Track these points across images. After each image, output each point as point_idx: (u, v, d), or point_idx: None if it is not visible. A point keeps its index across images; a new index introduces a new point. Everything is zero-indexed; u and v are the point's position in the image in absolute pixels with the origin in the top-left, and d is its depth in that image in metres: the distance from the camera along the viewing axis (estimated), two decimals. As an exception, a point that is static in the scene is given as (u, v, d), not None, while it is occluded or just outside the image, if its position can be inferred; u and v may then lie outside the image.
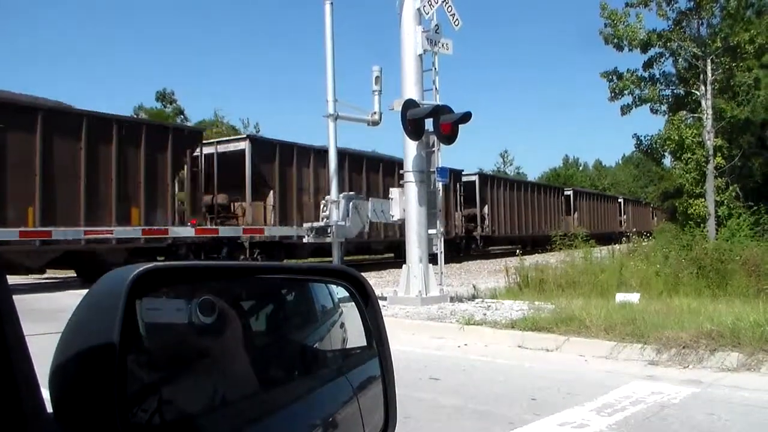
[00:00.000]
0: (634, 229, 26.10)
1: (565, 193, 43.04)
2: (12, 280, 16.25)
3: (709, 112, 19.27)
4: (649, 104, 20.66)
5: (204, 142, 21.14)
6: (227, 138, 23.06)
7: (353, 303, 1.34)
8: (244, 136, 22.73)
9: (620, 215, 50.64)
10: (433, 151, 11.69)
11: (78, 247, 16.27)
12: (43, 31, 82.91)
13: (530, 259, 15.61)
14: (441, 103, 11.54)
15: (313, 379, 1.28)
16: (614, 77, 20.42)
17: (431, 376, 6.44)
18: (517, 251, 16.92)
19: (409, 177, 11.49)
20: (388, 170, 25.19)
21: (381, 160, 26.31)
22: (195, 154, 19.59)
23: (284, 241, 21.53)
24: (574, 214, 42.12)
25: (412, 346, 7.94)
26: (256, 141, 22.15)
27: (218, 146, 21.84)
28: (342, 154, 24.85)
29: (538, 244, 33.29)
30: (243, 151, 21.08)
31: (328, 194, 21.55)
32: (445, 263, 12.60)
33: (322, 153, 23.08)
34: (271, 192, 21.56)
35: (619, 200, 52.50)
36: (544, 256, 16.81)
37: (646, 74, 20.67)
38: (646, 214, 55.96)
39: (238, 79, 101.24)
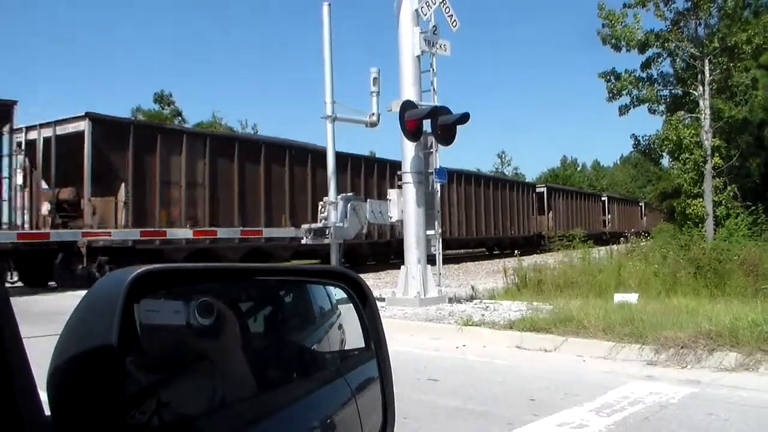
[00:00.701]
0: (631, 230, 25.95)
1: (538, 190, 39.61)
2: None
3: (707, 112, 19.31)
4: (647, 104, 20.73)
5: (42, 123, 17.76)
6: (65, 117, 17.97)
7: (351, 304, 1.35)
8: (83, 114, 17.49)
9: (604, 214, 47.65)
10: (431, 152, 11.69)
11: None
12: (42, 31, 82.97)
13: (528, 260, 15.62)
14: (439, 104, 11.54)
15: (311, 380, 1.28)
16: (612, 78, 20.46)
17: (430, 377, 6.44)
18: (517, 254, 16.90)
19: (407, 178, 11.48)
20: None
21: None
22: (3, 134, 15.89)
23: (139, 247, 17.39)
24: (549, 214, 38.63)
25: (411, 347, 7.94)
26: (98, 121, 17.52)
27: (57, 127, 17.66)
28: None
29: (504, 247, 30.84)
30: (82, 134, 16.95)
31: (206, 189, 18.35)
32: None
33: (193, 136, 19.75)
34: (123, 185, 17.56)
35: (603, 198, 49.31)
36: (542, 257, 16.79)
37: (644, 74, 20.76)
38: (634, 214, 53.86)
39: (237, 80, 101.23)
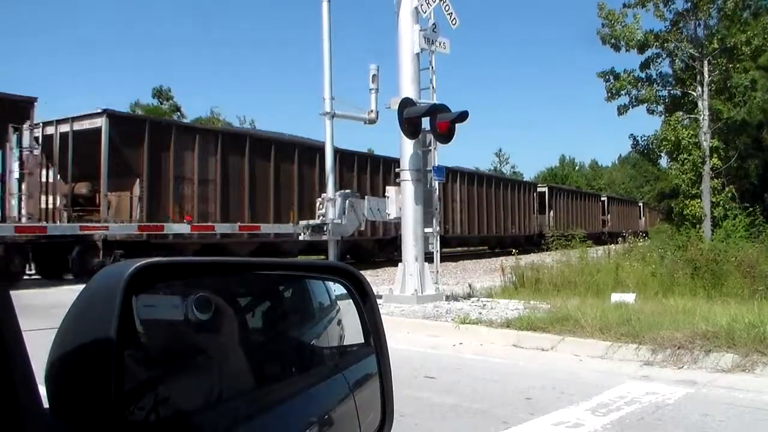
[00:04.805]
0: (628, 230, 26.10)
1: (539, 189, 40.59)
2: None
3: (706, 113, 19.33)
4: (645, 105, 20.74)
5: (59, 119, 18.03)
6: (82, 114, 18.10)
7: (351, 300, 1.34)
8: (101, 110, 17.63)
9: (604, 214, 49.20)
10: (430, 149, 11.68)
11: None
12: (42, 27, 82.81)
13: (526, 259, 15.64)
14: (438, 101, 11.52)
15: (309, 376, 1.27)
16: (611, 77, 20.47)
17: (426, 375, 6.44)
18: (515, 252, 16.91)
19: (406, 176, 11.47)
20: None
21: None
22: (25, 129, 15.64)
23: (152, 241, 17.80)
24: (550, 213, 39.72)
25: (408, 345, 7.93)
26: (115, 117, 17.83)
27: (74, 123, 17.82)
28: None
29: (505, 245, 32.41)
30: (99, 130, 17.24)
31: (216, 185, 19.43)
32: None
33: (204, 133, 20.23)
34: (137, 181, 17.96)
35: (603, 198, 51.40)
36: (540, 256, 16.80)
37: (643, 75, 20.77)
38: (633, 214, 56.62)
39: (236, 76, 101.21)
